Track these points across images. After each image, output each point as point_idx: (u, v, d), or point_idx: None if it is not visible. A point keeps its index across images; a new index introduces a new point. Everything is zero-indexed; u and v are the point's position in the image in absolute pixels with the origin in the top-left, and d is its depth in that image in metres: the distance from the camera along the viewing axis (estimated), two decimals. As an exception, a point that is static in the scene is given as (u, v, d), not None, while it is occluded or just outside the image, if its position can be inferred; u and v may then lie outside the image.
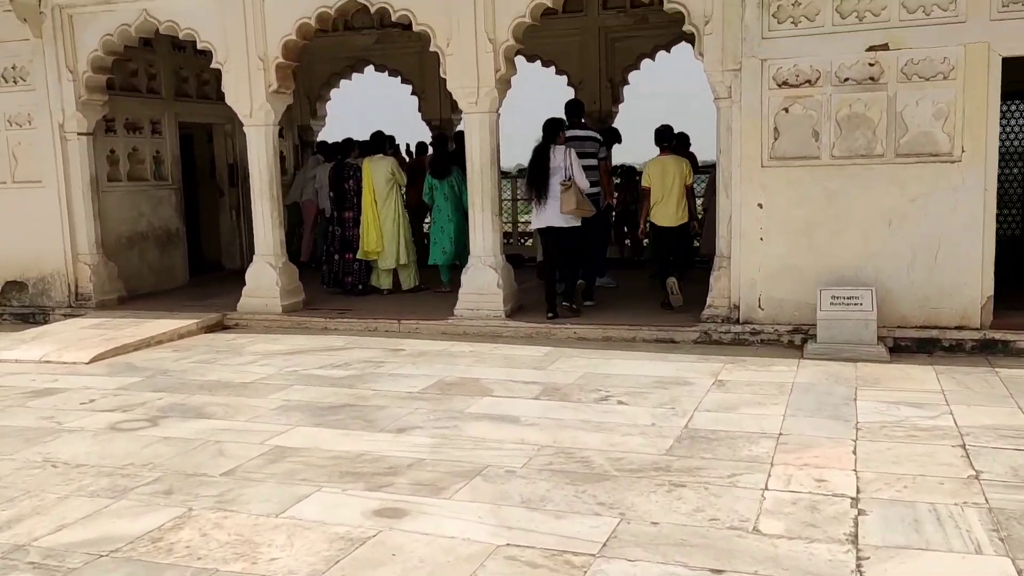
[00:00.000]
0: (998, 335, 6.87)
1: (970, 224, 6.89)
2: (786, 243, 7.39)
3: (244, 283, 9.25)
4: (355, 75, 13.91)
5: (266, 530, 3.86)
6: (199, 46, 9.12)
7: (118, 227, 10.38)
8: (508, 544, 3.64)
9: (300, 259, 12.67)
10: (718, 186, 7.76)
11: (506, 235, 13.81)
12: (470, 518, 3.92)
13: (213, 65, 9.04)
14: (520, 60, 12.49)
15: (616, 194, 10.96)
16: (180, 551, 3.67)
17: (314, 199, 12.23)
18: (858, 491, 4.12)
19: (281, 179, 13.22)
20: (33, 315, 9.82)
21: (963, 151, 6.84)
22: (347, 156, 10.20)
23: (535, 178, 8.22)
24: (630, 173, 11.84)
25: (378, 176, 9.86)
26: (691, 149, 11.23)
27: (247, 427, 5.46)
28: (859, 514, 3.85)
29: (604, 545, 3.60)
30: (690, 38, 11.76)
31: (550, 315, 8.26)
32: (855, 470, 4.41)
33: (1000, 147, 7.08)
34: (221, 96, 9.22)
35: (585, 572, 3.38)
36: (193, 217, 12.81)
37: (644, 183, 8.61)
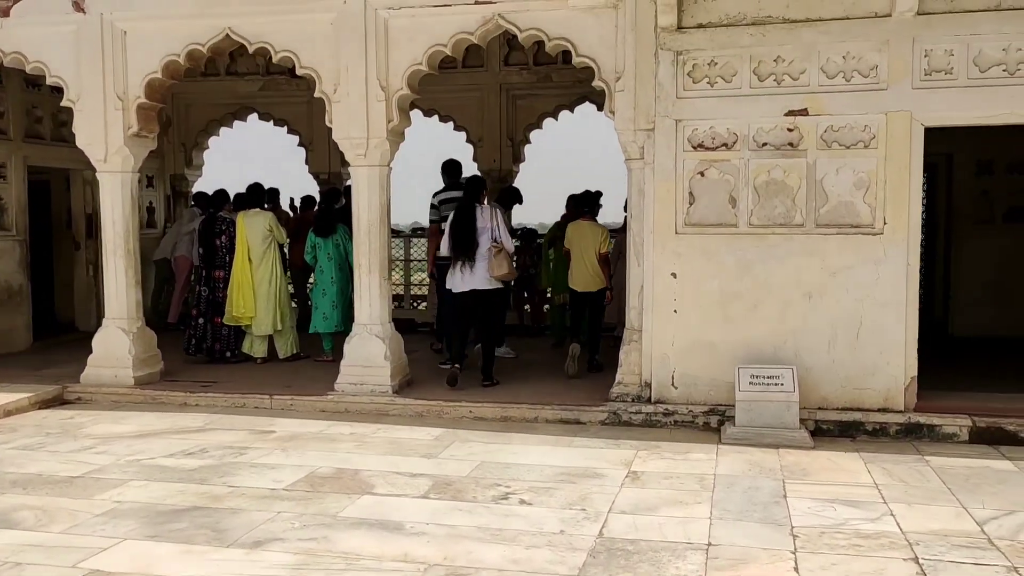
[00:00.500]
0: (923, 418, 6.42)
1: (892, 300, 6.48)
2: (701, 316, 6.82)
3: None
4: (237, 123, 12.92)
5: None
6: (49, 81, 8.02)
7: (-55, 282, 9.00)
8: None
9: (167, 320, 11.51)
10: (628, 253, 7.17)
11: (397, 298, 12.93)
12: None
13: (64, 102, 7.95)
14: (416, 114, 11.85)
15: (515, 257, 10.29)
16: None
17: (188, 255, 11.09)
18: (813, 628, 3.41)
19: (149, 232, 12.30)
20: None
21: (885, 223, 6.46)
22: (220, 209, 9.18)
23: (463, 239, 7.67)
24: (531, 236, 11.22)
25: (253, 232, 8.89)
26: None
27: (61, 541, 4.36)
28: (821, 664, 3.13)
29: None
30: (595, 98, 11.55)
31: (457, 365, 7.75)
32: (804, 596, 3.71)
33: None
34: (78, 138, 8.11)
35: None
36: (46, 272, 11.45)
37: (566, 246, 8.38)
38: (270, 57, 9.68)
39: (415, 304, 12.84)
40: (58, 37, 7.84)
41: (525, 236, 11.06)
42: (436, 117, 12.12)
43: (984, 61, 6.25)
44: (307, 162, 12.57)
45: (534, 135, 12.03)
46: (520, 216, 11.90)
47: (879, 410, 6.51)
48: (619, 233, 9.26)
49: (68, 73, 7.86)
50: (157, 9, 7.67)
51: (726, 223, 6.77)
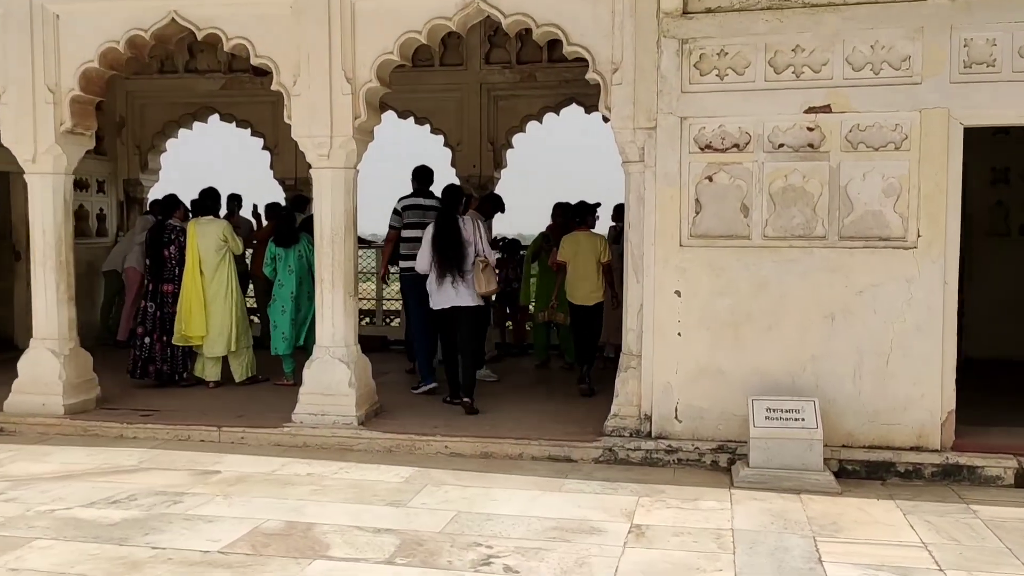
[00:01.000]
0: (963, 459, 5.64)
1: (927, 323, 5.71)
2: (709, 340, 6.01)
3: (23, 373, 7.10)
4: (197, 124, 11.99)
5: None
6: (-30, 70, 7.10)
7: None
8: None
9: (117, 338, 10.55)
10: (626, 268, 6.34)
11: (367, 313, 12.04)
12: None
13: (-13, 95, 7.03)
14: (390, 116, 11.03)
15: (497, 271, 9.45)
16: None
17: (139, 266, 10.14)
18: None
19: (100, 242, 11.36)
20: None
21: (919, 235, 5.69)
22: (169, 216, 8.27)
23: (450, 254, 7.06)
24: (514, 246, 10.37)
25: (206, 242, 7.98)
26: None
27: (-76, 631, 3.46)
28: None
29: None
30: (583, 99, 10.74)
31: (467, 401, 7.12)
32: None
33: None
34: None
35: None
36: (-16, 286, 10.47)
37: (560, 257, 7.92)
38: (232, 53, 8.79)
39: (387, 320, 11.95)
40: (-19, 21, 6.94)
41: (508, 247, 10.21)
42: (412, 119, 11.26)
43: (1031, 52, 5.52)
44: (272, 167, 11.66)
45: (517, 139, 11.19)
46: (500, 226, 11.08)
47: (912, 449, 5.73)
48: (611, 244, 8.54)
49: (-9, 62, 6.95)
50: (94, -11, 6.79)
51: (737, 234, 5.97)
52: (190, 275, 7.98)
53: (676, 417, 6.07)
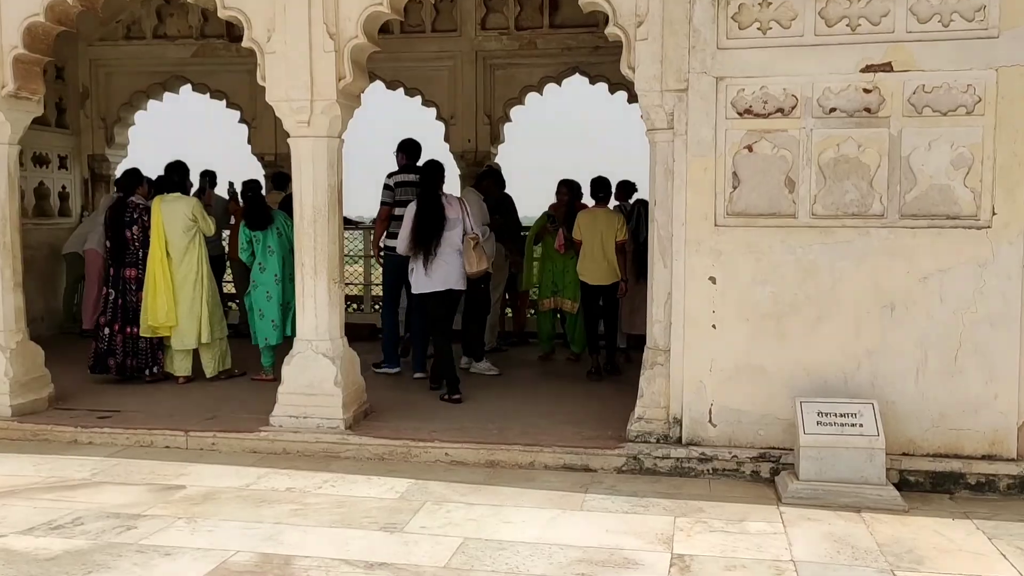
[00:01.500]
0: (1042, 470, 4.92)
1: (1002, 314, 4.96)
2: (748, 333, 5.25)
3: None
4: (168, 95, 11.07)
5: None
6: (-98, 24, 6.20)
7: None
8: None
9: (83, 327, 9.69)
10: (651, 251, 5.57)
11: (355, 299, 11.23)
12: None
13: (-81, 51, 6.13)
14: (378, 87, 10.18)
15: (507, 255, 8.69)
16: None
17: (100, 249, 9.27)
18: None
19: (62, 222, 10.46)
20: None
21: (993, 213, 4.94)
22: (131, 193, 7.40)
23: (429, 232, 6.66)
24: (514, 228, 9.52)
25: (172, 222, 7.13)
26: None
27: None
28: None
29: None
30: (588, 68, 9.93)
31: (456, 397, 6.67)
32: None
33: None
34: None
35: None
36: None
37: (576, 235, 7.58)
38: (205, 17, 7.90)
39: (376, 306, 11.12)
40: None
41: (511, 228, 9.29)
42: (401, 90, 10.41)
43: None
44: (249, 141, 10.78)
45: (515, 112, 10.37)
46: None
47: (983, 457, 5.00)
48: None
49: (-78, 14, 6.06)
50: (39, -70, 5.91)
51: (781, 212, 5.20)
52: (156, 259, 7.13)
53: (710, 421, 5.32)
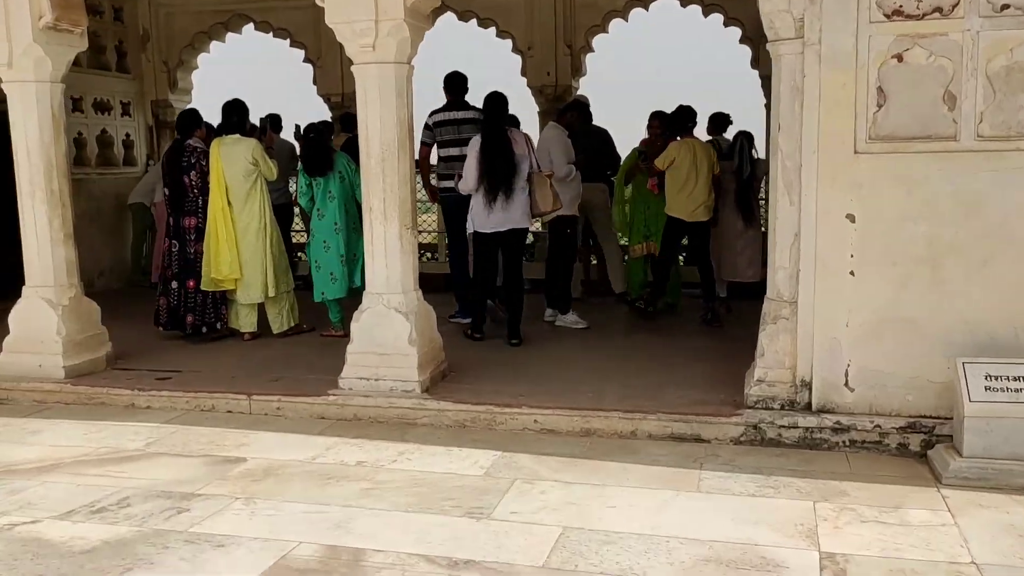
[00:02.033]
0: None
1: None
2: (895, 281, 4.40)
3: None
4: (231, 36, 10.50)
5: None
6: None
7: None
8: None
9: (152, 280, 9.32)
10: (774, 184, 4.74)
11: (428, 248, 10.62)
12: None
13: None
14: (449, 19, 9.40)
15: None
16: None
17: (170, 200, 8.82)
18: None
19: (127, 172, 10.07)
20: None
21: None
22: (188, 135, 6.84)
23: (498, 168, 6.20)
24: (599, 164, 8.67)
25: (233, 166, 6.56)
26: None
27: None
28: None
29: None
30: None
31: (477, 336, 6.58)
32: None
33: None
34: None
35: None
36: (8, 221, 9.26)
37: (660, 165, 6.98)
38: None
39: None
40: None
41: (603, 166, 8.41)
42: (474, 21, 9.60)
43: None
44: (315, 82, 10.16)
45: (598, 41, 9.47)
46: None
47: None
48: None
49: (-46, -61, 5.52)
50: None
51: (938, 135, 4.30)
52: (216, 206, 6.58)
53: (846, 384, 4.51)
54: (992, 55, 4.19)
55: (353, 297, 6.18)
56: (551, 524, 3.60)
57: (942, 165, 4.29)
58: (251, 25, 10.29)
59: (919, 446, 4.36)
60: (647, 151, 7.53)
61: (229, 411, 5.31)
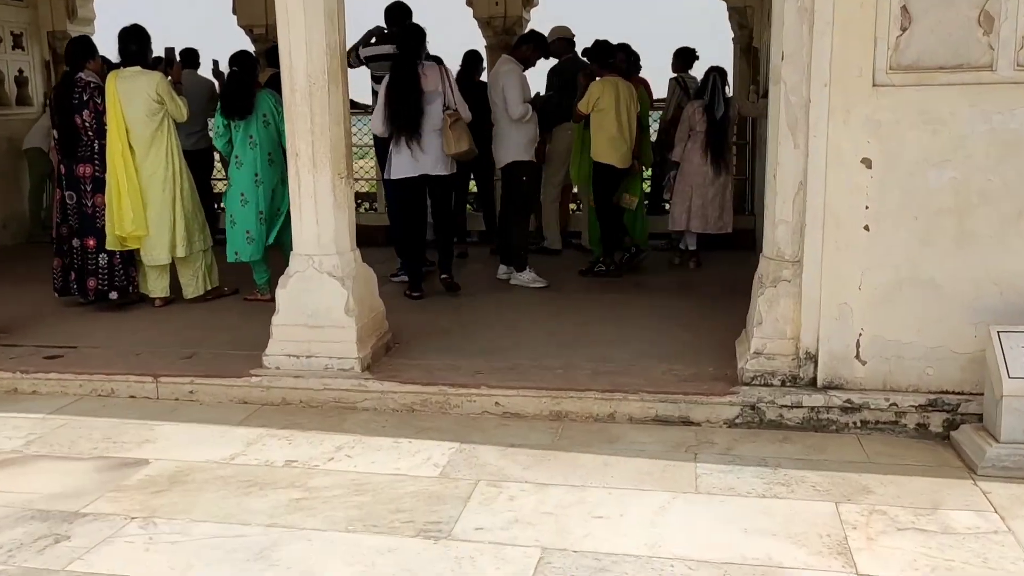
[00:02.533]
0: None
1: None
2: (917, 235, 3.77)
3: None
4: (136, -41, 9.36)
5: None
6: None
7: None
8: None
9: (53, 235, 8.27)
10: (774, 124, 4.04)
11: (365, 197, 9.74)
12: None
13: None
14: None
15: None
16: None
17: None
18: None
19: (22, 112, 8.94)
20: None
21: None
22: (80, 68, 5.82)
23: (402, 108, 5.70)
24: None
25: (133, 104, 5.60)
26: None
27: None
28: None
29: None
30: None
31: (415, 295, 6.02)
32: None
33: None
34: None
35: None
36: None
37: (582, 108, 6.37)
38: None
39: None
40: None
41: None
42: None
43: None
44: (235, 11, 9.09)
45: (551, -33, 8.64)
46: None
47: None
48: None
49: None
50: None
51: (971, 63, 3.64)
52: (115, 151, 5.63)
53: (858, 356, 3.90)
54: (1037, -33, 3.53)
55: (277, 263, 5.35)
56: (526, 544, 2.92)
57: (975, 99, 3.64)
58: (159, -54, 9.15)
59: (941, 427, 3.79)
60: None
61: (132, 396, 4.48)
